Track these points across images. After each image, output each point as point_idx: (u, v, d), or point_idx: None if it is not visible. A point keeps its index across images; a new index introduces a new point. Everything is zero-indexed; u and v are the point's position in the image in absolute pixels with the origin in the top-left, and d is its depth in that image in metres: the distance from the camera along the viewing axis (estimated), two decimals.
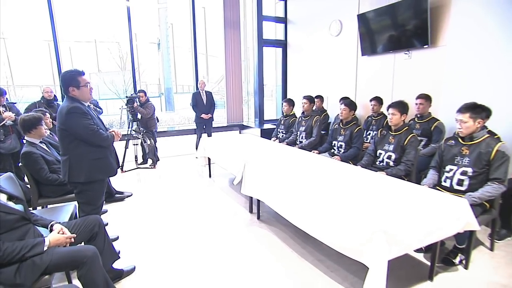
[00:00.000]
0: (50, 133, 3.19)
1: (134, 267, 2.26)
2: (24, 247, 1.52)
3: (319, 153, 3.67)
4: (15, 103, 4.21)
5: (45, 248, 1.59)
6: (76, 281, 1.68)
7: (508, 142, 2.30)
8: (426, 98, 3.42)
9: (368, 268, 1.61)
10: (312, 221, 2.02)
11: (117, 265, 2.14)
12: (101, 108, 5.02)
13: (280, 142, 4.41)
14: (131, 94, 5.14)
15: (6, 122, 3.71)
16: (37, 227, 1.77)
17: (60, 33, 5.27)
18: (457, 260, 2.21)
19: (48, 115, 3.22)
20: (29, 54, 11.41)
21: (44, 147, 2.79)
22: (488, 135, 2.28)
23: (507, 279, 2.08)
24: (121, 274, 2.15)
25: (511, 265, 2.25)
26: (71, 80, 2.10)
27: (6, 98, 3.96)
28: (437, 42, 3.64)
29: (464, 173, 2.27)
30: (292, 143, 4.25)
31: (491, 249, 2.44)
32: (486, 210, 2.25)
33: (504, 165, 2.15)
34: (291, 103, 4.57)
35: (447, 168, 2.38)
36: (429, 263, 2.18)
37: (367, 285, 1.55)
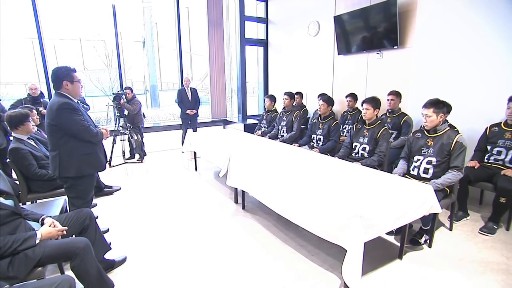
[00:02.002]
0: (37, 129, 3.05)
1: (125, 257, 2.23)
2: (16, 241, 1.46)
3: (299, 146, 3.73)
4: (0, 100, 3.98)
5: (37, 241, 1.54)
6: (68, 272, 1.64)
7: (465, 134, 2.44)
8: (396, 95, 3.53)
9: (345, 251, 1.67)
10: (295, 209, 2.07)
11: (108, 256, 2.10)
12: (88, 105, 4.86)
13: (262, 136, 4.43)
14: (118, 91, 4.98)
15: None
16: (28, 221, 1.71)
17: (44, 30, 5.00)
18: (422, 240, 2.34)
19: (34, 111, 3.07)
20: (13, 51, 10.75)
21: (32, 143, 2.67)
22: (449, 128, 2.41)
23: (463, 254, 2.24)
24: (113, 264, 2.11)
25: (466, 242, 2.41)
26: (66, 74, 2.03)
27: None
28: (406, 43, 3.76)
29: (429, 163, 2.38)
30: (274, 137, 4.28)
31: (450, 229, 2.59)
32: (447, 194, 2.37)
33: (462, 154, 2.28)
34: (273, 99, 4.59)
35: (415, 158, 2.49)
36: (399, 244, 2.30)
37: (345, 265, 1.61)
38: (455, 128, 2.82)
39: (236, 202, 3.27)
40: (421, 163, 2.43)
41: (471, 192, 2.78)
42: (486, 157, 2.76)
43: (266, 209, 2.64)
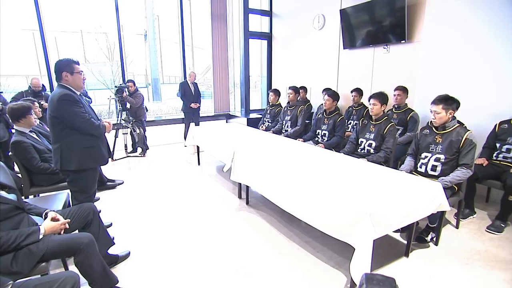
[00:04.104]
0: (39, 123, 3.01)
1: (129, 252, 2.21)
2: (19, 236, 1.44)
3: (304, 141, 3.68)
4: (1, 92, 3.94)
5: (41, 236, 1.52)
6: (72, 268, 1.62)
7: (473, 130, 2.38)
8: (403, 90, 3.47)
9: (351, 248, 1.64)
10: (300, 205, 2.03)
11: (112, 251, 2.08)
12: (90, 98, 4.80)
13: (266, 130, 4.39)
14: (120, 84, 4.93)
15: None
16: (31, 216, 1.68)
17: (46, 23, 4.93)
18: (429, 238, 2.31)
19: (36, 104, 3.03)
20: (14, 43, 10.67)
21: (34, 136, 2.64)
22: (458, 124, 2.36)
23: (470, 252, 2.21)
24: (116, 260, 2.10)
25: (473, 240, 2.38)
26: (66, 65, 2.00)
27: None
28: (413, 38, 3.68)
29: (437, 160, 2.34)
30: (278, 132, 4.24)
31: (457, 227, 2.56)
32: (455, 192, 2.34)
33: (472, 151, 2.24)
34: (277, 93, 4.53)
35: (423, 155, 2.44)
36: (405, 242, 2.27)
37: (354, 263, 1.58)
38: (463, 124, 2.77)
39: (240, 197, 3.24)
40: (429, 160, 2.39)
41: (478, 190, 2.75)
42: (494, 155, 2.72)
43: (270, 204, 2.62)
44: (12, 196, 1.60)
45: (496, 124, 2.76)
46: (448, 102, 2.29)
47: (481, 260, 2.11)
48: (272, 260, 2.14)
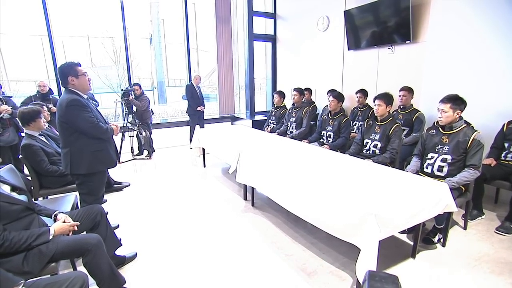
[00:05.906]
0: (48, 126, 3.08)
1: (136, 254, 2.24)
2: (30, 236, 1.48)
3: (309, 143, 3.69)
4: (11, 97, 4.03)
5: (51, 237, 1.56)
6: (81, 268, 1.65)
7: (481, 130, 2.36)
8: (408, 90, 3.45)
9: (357, 249, 1.64)
10: (306, 206, 2.04)
11: (119, 252, 2.12)
12: (96, 101, 4.88)
13: (271, 132, 4.40)
14: (126, 87, 5.00)
15: (3, 115, 3.56)
16: (41, 217, 1.72)
17: (54, 28, 5.04)
18: (436, 239, 2.29)
19: (45, 108, 3.10)
20: (23, 49, 10.93)
21: (43, 139, 2.70)
22: (465, 125, 2.34)
23: (478, 254, 2.18)
24: (123, 261, 2.13)
25: (481, 242, 2.35)
26: (69, 70, 2.01)
27: (2, 92, 3.80)
28: (418, 38, 3.66)
29: (444, 160, 2.33)
30: (283, 133, 4.25)
31: (465, 228, 2.53)
32: (462, 193, 2.32)
33: (479, 152, 2.22)
34: (282, 95, 4.55)
35: (429, 155, 2.43)
36: (411, 243, 2.26)
37: (359, 264, 1.58)
38: (471, 125, 2.74)
39: (245, 198, 3.26)
40: (435, 160, 2.38)
41: (486, 191, 2.71)
42: (503, 155, 2.69)
43: (276, 206, 2.63)
44: (23, 198, 1.64)
45: (504, 124, 2.73)
46: (457, 102, 2.28)
47: (490, 262, 2.08)
48: (278, 261, 2.15)
